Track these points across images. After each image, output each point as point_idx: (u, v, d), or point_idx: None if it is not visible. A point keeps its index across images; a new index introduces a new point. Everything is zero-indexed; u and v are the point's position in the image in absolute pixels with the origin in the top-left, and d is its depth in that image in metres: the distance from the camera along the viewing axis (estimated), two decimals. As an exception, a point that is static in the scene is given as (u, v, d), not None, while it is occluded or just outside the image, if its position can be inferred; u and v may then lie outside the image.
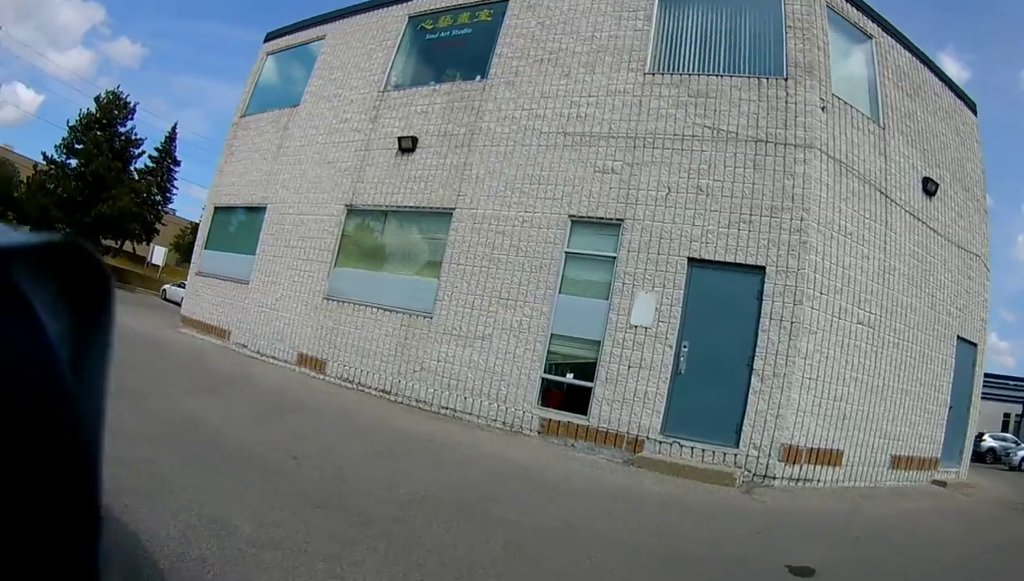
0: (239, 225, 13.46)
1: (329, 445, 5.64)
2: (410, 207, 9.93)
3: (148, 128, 69.74)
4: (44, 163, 31.89)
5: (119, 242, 38.40)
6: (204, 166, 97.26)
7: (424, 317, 9.06)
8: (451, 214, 9.30)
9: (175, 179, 49.14)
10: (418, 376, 8.81)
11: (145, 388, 6.09)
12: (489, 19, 10.46)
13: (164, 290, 30.19)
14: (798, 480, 7.02)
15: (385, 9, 12.10)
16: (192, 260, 14.66)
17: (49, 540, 0.35)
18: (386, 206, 10.25)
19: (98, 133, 32.74)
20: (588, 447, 7.33)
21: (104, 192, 30.58)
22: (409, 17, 11.61)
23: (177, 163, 49.41)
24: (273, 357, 10.83)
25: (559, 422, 7.61)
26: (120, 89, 35.00)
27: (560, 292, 8.12)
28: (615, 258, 7.81)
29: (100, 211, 29.57)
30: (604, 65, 8.83)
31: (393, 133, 10.52)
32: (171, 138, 49.14)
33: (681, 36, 8.61)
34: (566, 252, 8.24)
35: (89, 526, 0.38)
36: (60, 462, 0.36)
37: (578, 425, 7.47)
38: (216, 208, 13.95)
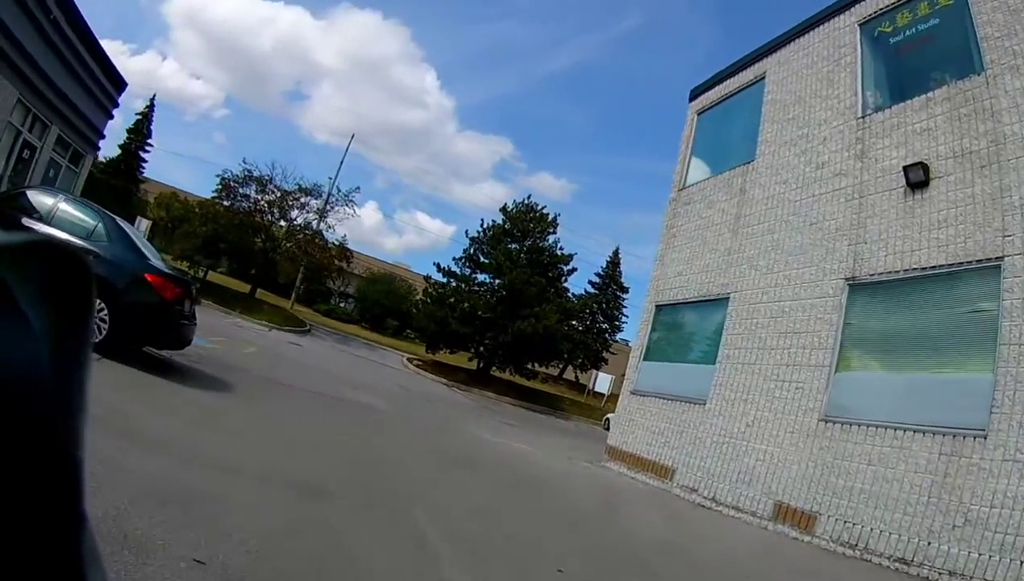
0: (690, 326, 14.79)
1: None
2: (937, 268, 9.70)
3: (585, 250, 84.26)
4: (440, 276, 40.07)
5: (551, 365, 45.25)
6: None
7: (974, 437, 8.37)
8: (998, 267, 8.82)
9: (623, 306, 60.65)
10: (958, 534, 8.11)
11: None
12: (950, 2, 10.83)
13: (607, 420, 35.33)
14: None
15: (828, 23, 13.26)
16: (625, 375, 16.37)
17: (33, 534, 0.47)
18: (903, 271, 10.16)
19: (511, 246, 40.00)
20: None
21: (524, 308, 36.48)
22: (859, 25, 12.55)
23: (624, 290, 61.51)
24: (736, 507, 11.21)
25: None
26: (533, 200, 42.09)
27: None
28: None
29: (519, 329, 35.23)
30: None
31: (893, 166, 10.78)
32: (614, 263, 62.69)
33: None
34: None
35: (72, 521, 0.51)
36: (43, 457, 0.48)
37: None
38: (658, 307, 15.64)
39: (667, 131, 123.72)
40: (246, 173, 40.51)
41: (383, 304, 59.87)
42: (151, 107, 62.02)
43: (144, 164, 61.15)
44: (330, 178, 45.40)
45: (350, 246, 47.14)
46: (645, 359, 15.47)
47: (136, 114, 61.90)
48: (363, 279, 62.24)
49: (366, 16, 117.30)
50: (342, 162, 52.51)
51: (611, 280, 61.64)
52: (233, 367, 12.54)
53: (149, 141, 61.41)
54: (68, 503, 0.51)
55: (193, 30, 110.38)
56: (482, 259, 40.28)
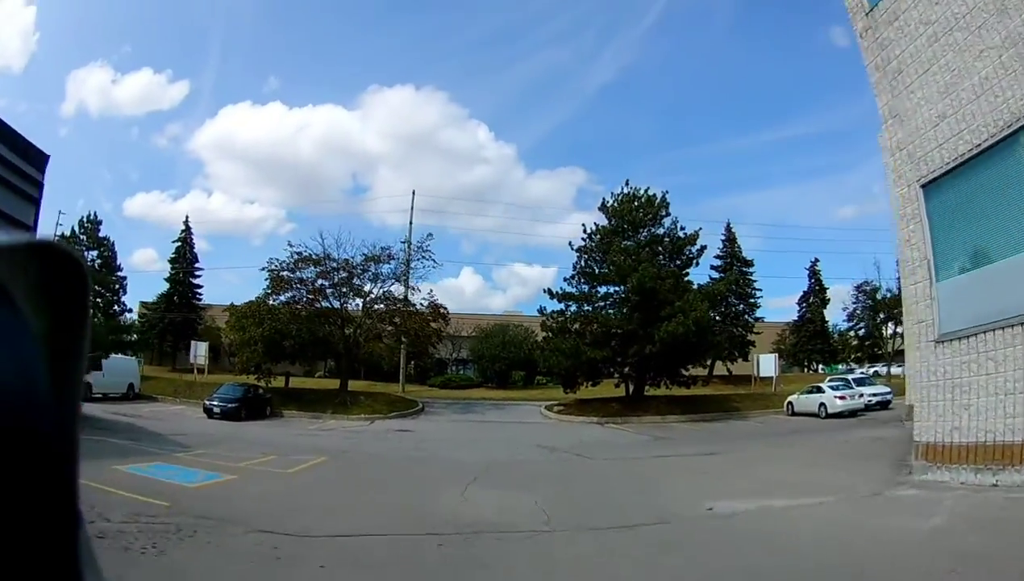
0: (1003, 187, 9.83)
1: None
2: None
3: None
4: (555, 303, 35.29)
5: (699, 365, 39.45)
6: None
7: None
8: None
9: (752, 282, 57.44)
10: None
11: None
12: None
13: (790, 404, 32.30)
14: None
15: None
16: (916, 321, 11.57)
17: (31, 534, 0.47)
18: None
19: (624, 243, 34.40)
20: None
21: (663, 307, 30.83)
22: None
23: (748, 264, 58.65)
24: None
25: None
26: (633, 186, 36.31)
27: None
28: None
29: (667, 331, 29.54)
30: None
31: None
32: (730, 239, 59.53)
33: None
34: None
35: (69, 518, 0.52)
36: (40, 454, 0.49)
37: None
38: (926, 188, 10.84)
39: (730, 102, 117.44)
40: (295, 256, 35.58)
41: (503, 357, 54.12)
42: (187, 230, 60.12)
43: (199, 290, 59.43)
44: (403, 242, 39.30)
45: (453, 310, 42.59)
46: (941, 278, 10.62)
47: (173, 242, 60.10)
48: (475, 339, 56.50)
49: (397, 93, 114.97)
50: (411, 222, 46.99)
51: (733, 258, 58.41)
52: (203, 522, 7.80)
53: (197, 266, 59.79)
54: (64, 502, 0.52)
55: (229, 160, 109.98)
56: (596, 270, 34.91)
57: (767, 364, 43.89)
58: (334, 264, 35.72)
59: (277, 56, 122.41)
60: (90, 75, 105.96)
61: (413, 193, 51.41)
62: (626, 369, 33.89)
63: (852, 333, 62.48)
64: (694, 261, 36.16)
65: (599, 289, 34.78)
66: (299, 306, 35.44)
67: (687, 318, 29.86)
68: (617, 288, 33.64)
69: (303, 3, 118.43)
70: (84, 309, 0.55)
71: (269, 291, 35.68)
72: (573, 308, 34.76)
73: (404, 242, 39.86)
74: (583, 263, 35.23)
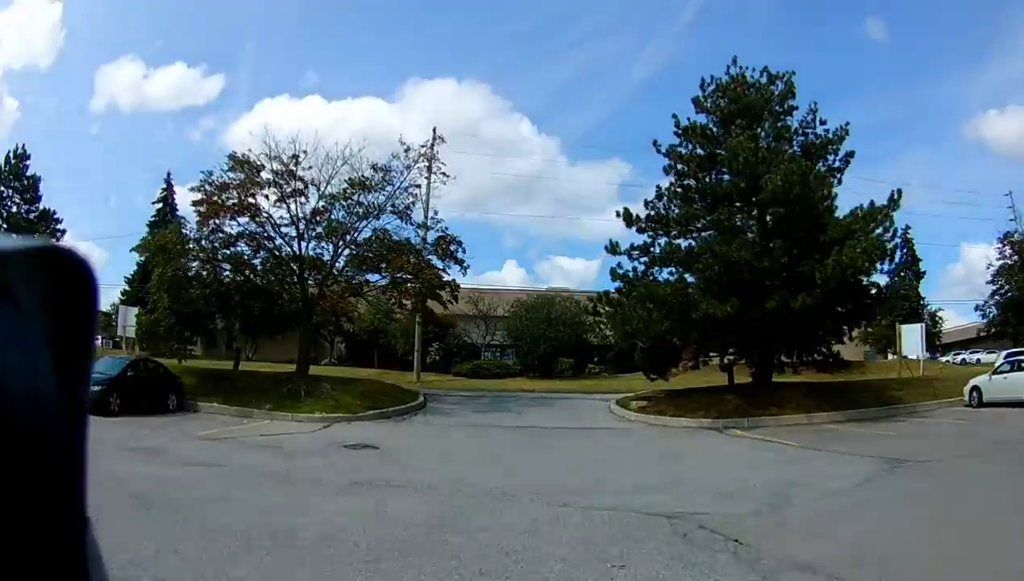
0: None
1: None
2: None
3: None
4: (634, 234, 21.49)
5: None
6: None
7: None
8: None
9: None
10: None
11: None
12: None
13: (975, 390, 21.41)
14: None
15: None
16: None
17: (37, 535, 0.47)
18: None
19: (741, 124, 20.26)
20: None
21: (819, 229, 17.84)
22: None
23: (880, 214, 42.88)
24: None
25: None
26: (744, 67, 22.07)
27: None
28: None
29: (838, 265, 16.32)
30: None
31: None
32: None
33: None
34: None
35: (75, 521, 0.51)
36: (46, 458, 0.48)
37: None
38: None
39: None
40: (234, 164, 21.99)
41: (549, 337, 39.32)
42: (168, 187, 48.58)
43: (182, 259, 47.18)
44: (404, 149, 25.36)
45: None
46: None
47: (153, 203, 49.03)
48: (513, 318, 42.24)
49: (439, 85, 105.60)
50: (431, 164, 32.24)
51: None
52: None
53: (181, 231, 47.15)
54: (70, 504, 0.52)
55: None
56: (698, 182, 21.03)
57: (912, 338, 29.97)
58: (280, 167, 22.20)
59: (314, 50, 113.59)
60: (120, 70, 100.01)
61: (434, 130, 37.64)
62: (749, 341, 20.15)
63: (994, 298, 48.11)
64: (838, 174, 21.45)
65: (705, 217, 20.76)
66: (249, 241, 22.71)
67: (861, 243, 16.77)
68: (733, 207, 20.11)
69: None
70: (91, 312, 0.54)
71: (199, 221, 22.62)
72: (662, 242, 20.70)
73: (404, 149, 25.64)
74: (678, 170, 21.28)
